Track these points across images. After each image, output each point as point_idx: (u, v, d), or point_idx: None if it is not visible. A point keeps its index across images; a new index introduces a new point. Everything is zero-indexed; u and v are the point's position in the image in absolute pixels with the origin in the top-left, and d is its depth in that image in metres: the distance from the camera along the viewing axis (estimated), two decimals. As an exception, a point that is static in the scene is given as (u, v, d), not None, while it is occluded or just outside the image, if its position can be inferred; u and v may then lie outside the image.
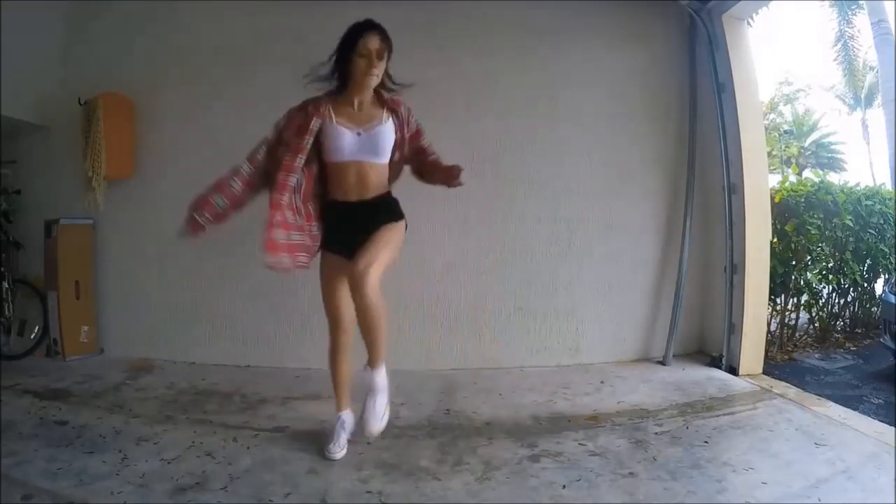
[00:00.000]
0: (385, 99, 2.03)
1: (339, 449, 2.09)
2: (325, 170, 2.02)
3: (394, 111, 2.03)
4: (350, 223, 1.99)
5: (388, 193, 2.09)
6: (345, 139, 1.94)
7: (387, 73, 2.02)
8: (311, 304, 3.32)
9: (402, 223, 2.07)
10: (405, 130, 2.05)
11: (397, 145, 2.04)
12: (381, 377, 2.04)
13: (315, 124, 1.94)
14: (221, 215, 2.04)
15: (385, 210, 2.04)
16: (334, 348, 2.17)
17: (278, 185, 1.94)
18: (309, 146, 1.94)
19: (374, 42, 1.91)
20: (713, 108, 3.34)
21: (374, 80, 1.95)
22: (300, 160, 1.93)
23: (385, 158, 2.02)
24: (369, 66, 1.91)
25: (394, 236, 2.00)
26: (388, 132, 1.99)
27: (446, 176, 2.02)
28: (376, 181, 2.01)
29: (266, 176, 2.01)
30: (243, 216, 3.42)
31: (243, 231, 3.40)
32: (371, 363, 2.04)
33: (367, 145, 1.96)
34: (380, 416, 2.00)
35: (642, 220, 3.52)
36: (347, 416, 2.21)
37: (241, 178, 2.03)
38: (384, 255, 1.91)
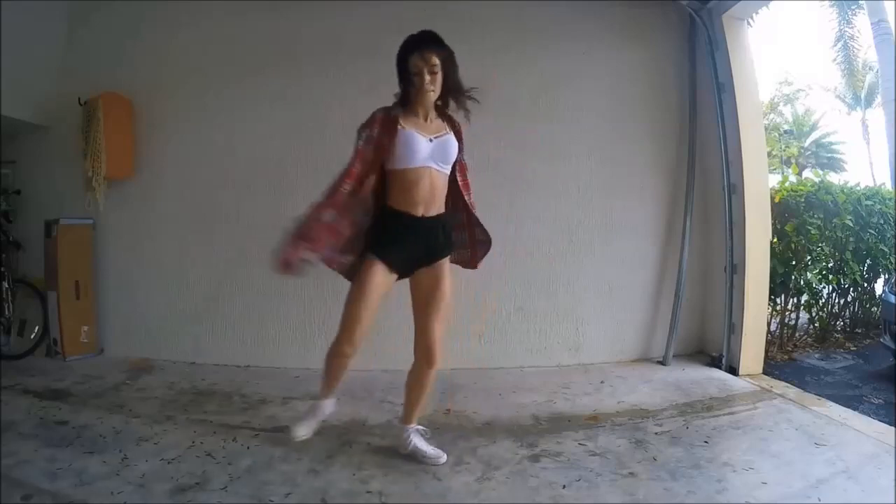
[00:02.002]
0: (447, 115, 2.06)
1: (307, 432, 2.09)
2: (390, 178, 1.97)
3: (453, 127, 2.05)
4: (414, 241, 1.96)
5: (449, 210, 2.06)
6: (419, 144, 1.92)
7: (454, 84, 2.00)
8: (312, 305, 3.34)
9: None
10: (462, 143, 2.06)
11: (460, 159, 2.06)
12: (414, 430, 2.12)
13: (385, 132, 1.92)
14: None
15: (447, 232, 2.05)
16: (347, 347, 2.07)
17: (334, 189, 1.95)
18: (371, 153, 1.92)
19: (423, 59, 1.91)
20: (713, 108, 3.34)
21: (433, 95, 1.95)
22: (362, 167, 1.92)
23: (449, 169, 2.01)
24: (422, 83, 1.92)
25: (450, 282, 2.05)
26: (453, 141, 2.00)
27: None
28: (443, 192, 2.00)
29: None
30: (243, 217, 3.44)
31: (244, 231, 3.42)
32: (407, 418, 2.13)
33: (438, 151, 1.95)
34: (432, 449, 2.09)
35: (642, 220, 3.52)
36: (329, 405, 2.17)
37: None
38: (446, 314, 2.05)
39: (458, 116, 2.08)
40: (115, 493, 1.78)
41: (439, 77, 1.94)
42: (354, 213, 1.94)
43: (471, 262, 2.20)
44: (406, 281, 2.06)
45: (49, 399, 2.66)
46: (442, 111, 2.05)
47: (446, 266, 2.05)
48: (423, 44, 1.93)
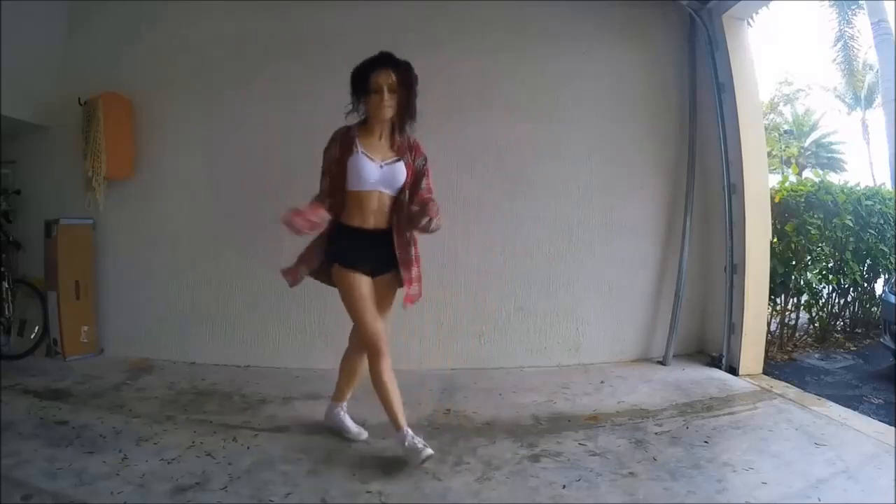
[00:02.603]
0: (400, 137, 2.12)
1: (361, 432, 2.25)
2: (345, 196, 2.09)
3: (405, 152, 2.12)
4: (370, 251, 2.09)
5: (390, 227, 2.13)
6: (370, 170, 2.05)
7: (406, 109, 2.07)
8: (312, 305, 3.34)
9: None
10: (412, 167, 2.12)
11: (414, 180, 2.13)
12: (408, 433, 2.06)
13: (343, 153, 2.07)
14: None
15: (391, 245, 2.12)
16: (380, 363, 2.06)
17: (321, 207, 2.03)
18: (336, 171, 2.09)
19: (383, 78, 2.01)
20: (713, 108, 3.34)
21: (389, 112, 2.05)
22: (331, 187, 2.10)
23: (397, 192, 2.11)
24: (381, 101, 2.02)
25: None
26: (402, 168, 2.09)
27: (419, 221, 2.01)
28: (388, 212, 2.11)
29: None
30: (243, 217, 3.44)
31: (244, 231, 3.42)
32: (398, 424, 2.06)
33: (387, 177, 2.07)
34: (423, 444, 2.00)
35: (642, 220, 3.52)
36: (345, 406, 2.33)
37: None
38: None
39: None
40: (115, 493, 1.78)
41: (396, 97, 2.04)
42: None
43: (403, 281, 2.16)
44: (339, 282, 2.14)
45: (49, 399, 2.66)
46: (398, 130, 2.12)
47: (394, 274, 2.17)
48: (384, 64, 2.03)
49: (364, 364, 2.17)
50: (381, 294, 2.15)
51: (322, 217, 1.96)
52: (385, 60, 2.04)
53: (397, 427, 2.03)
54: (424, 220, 1.95)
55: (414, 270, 2.15)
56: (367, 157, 2.06)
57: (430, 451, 1.95)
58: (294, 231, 1.92)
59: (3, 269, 3.46)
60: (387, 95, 2.02)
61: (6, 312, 3.46)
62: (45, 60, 3.50)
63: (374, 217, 2.08)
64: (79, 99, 3.40)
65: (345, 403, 2.34)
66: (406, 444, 1.98)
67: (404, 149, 2.13)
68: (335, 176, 2.09)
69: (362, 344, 2.13)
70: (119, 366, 3.24)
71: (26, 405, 2.57)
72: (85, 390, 2.82)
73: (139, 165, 3.49)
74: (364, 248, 2.09)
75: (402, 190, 2.11)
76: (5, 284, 3.45)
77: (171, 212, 3.48)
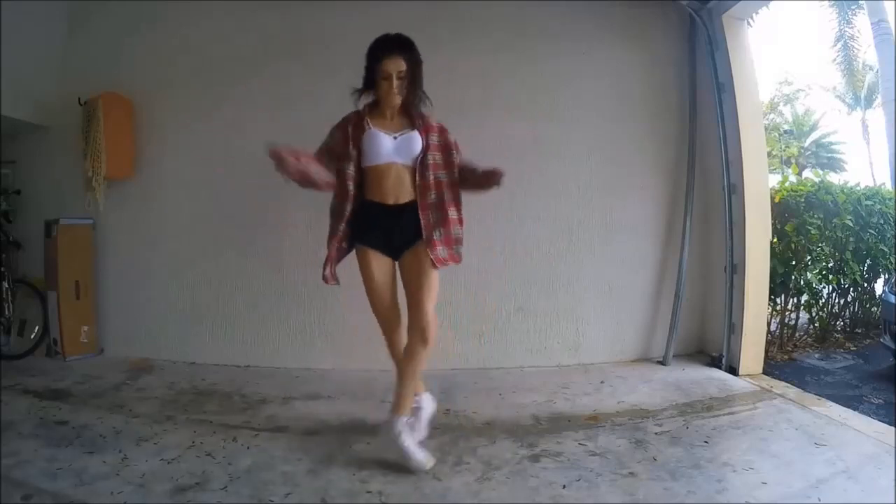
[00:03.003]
0: (412, 113, 2.16)
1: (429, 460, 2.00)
2: (364, 174, 2.12)
3: (420, 123, 2.15)
4: (392, 227, 2.11)
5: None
6: (383, 142, 2.08)
7: (417, 88, 2.12)
8: (312, 305, 3.34)
9: None
10: (428, 139, 2.14)
11: (440, 151, 2.16)
12: (403, 421, 2.05)
13: (356, 133, 2.10)
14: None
15: (418, 219, 2.12)
16: (393, 339, 2.20)
17: (338, 214, 2.14)
18: (354, 155, 2.10)
19: (392, 65, 2.04)
20: (713, 108, 3.33)
21: (398, 99, 2.09)
22: (351, 173, 2.10)
23: (415, 163, 2.11)
24: (390, 87, 2.06)
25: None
26: (417, 137, 2.12)
27: (485, 180, 2.11)
28: (408, 184, 2.11)
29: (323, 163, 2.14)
30: (243, 217, 3.44)
31: (244, 231, 3.42)
32: (396, 406, 2.05)
33: (401, 148, 2.10)
34: (419, 451, 1.99)
35: (642, 220, 3.52)
36: (427, 401, 2.27)
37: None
38: (434, 293, 2.10)
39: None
40: (115, 493, 1.78)
41: (405, 83, 2.07)
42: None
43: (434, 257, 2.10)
44: (397, 287, 2.19)
45: (49, 399, 2.66)
46: (410, 110, 2.15)
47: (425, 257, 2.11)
48: (394, 48, 2.05)
49: (423, 358, 2.11)
50: (412, 271, 2.11)
51: (310, 165, 2.00)
52: (393, 46, 2.05)
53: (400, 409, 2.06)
54: (497, 177, 2.05)
55: (439, 233, 2.10)
56: (381, 130, 2.09)
57: (427, 463, 1.95)
58: (280, 167, 1.91)
59: (3, 269, 3.46)
60: (396, 83, 2.05)
61: (6, 312, 3.47)
62: (45, 60, 3.50)
63: (393, 191, 2.09)
64: (79, 99, 3.40)
65: (405, 416, 2.05)
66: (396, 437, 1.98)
67: (417, 122, 2.14)
68: (331, 149, 2.12)
69: (387, 336, 2.20)
70: (119, 366, 3.24)
71: (26, 405, 2.57)
72: (85, 390, 2.82)
73: (139, 165, 3.49)
74: (385, 224, 2.10)
75: (421, 162, 2.11)
76: (5, 284, 3.46)
77: (171, 212, 3.48)
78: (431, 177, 2.13)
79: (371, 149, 2.08)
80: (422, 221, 2.10)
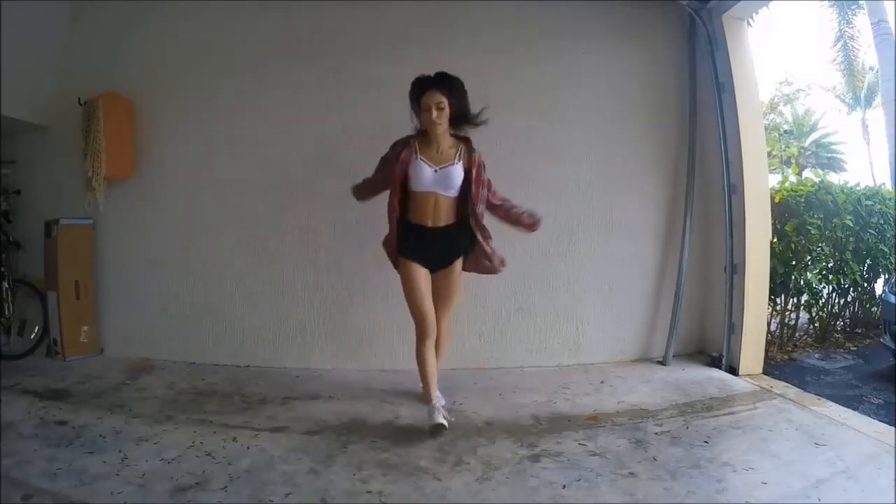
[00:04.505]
0: (460, 145, 2.43)
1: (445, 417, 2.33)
2: (409, 196, 2.42)
3: (465, 156, 2.42)
4: (429, 245, 2.41)
5: (459, 221, 2.44)
6: (425, 173, 2.36)
7: (462, 115, 2.41)
8: (312, 305, 3.34)
9: (460, 259, 2.51)
10: (471, 172, 2.41)
11: (471, 182, 2.41)
12: (439, 399, 2.45)
13: (404, 157, 2.38)
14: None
15: (457, 240, 2.46)
16: (424, 337, 2.40)
17: (393, 206, 2.42)
18: (401, 174, 2.38)
19: (432, 98, 2.31)
20: (713, 108, 3.33)
21: (440, 129, 2.36)
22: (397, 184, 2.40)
23: (454, 193, 2.40)
24: (430, 119, 2.32)
25: (460, 277, 2.53)
26: (457, 171, 2.38)
27: (519, 224, 2.56)
28: (447, 211, 2.41)
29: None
30: (243, 217, 3.45)
31: (244, 231, 3.42)
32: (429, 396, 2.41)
33: (441, 180, 2.37)
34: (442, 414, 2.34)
35: (642, 220, 3.52)
36: (439, 401, 2.43)
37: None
38: (454, 307, 2.60)
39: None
40: (115, 493, 1.78)
41: (446, 112, 2.33)
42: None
43: (478, 268, 2.58)
44: (396, 284, 2.46)
45: (49, 399, 2.66)
46: (458, 138, 2.44)
47: (457, 269, 2.50)
48: (431, 84, 2.32)
49: (433, 355, 2.45)
50: (442, 286, 2.47)
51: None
52: (434, 82, 2.32)
53: (427, 399, 2.39)
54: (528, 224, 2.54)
55: (483, 248, 2.48)
56: (425, 162, 2.36)
57: (442, 420, 2.24)
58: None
59: (3, 269, 3.46)
60: (435, 114, 2.31)
61: (6, 312, 3.46)
62: (45, 60, 3.49)
63: (431, 215, 2.38)
64: (79, 99, 3.40)
65: (435, 401, 2.39)
66: (428, 411, 2.33)
67: (461, 155, 2.41)
68: (394, 177, 2.38)
69: (421, 337, 2.40)
70: (119, 366, 3.24)
71: (26, 405, 2.57)
72: (85, 390, 2.82)
73: (139, 165, 3.49)
74: (423, 243, 2.39)
75: (465, 189, 2.40)
76: (5, 284, 3.45)
77: (171, 212, 3.48)
78: (480, 207, 2.44)
79: (415, 177, 2.36)
80: (478, 236, 2.45)
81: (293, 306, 3.34)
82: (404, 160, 2.36)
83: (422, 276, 2.40)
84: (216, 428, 2.34)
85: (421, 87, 2.34)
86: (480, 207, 2.43)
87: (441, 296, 2.47)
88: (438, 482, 1.91)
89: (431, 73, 2.39)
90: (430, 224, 2.38)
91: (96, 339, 3.49)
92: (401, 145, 2.40)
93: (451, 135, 2.43)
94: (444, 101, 2.31)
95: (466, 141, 2.45)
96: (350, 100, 3.30)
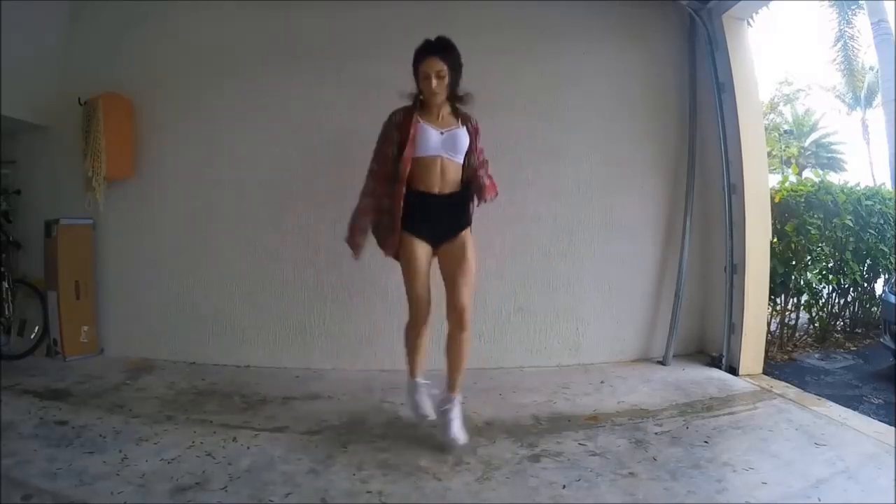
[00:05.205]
0: (459, 112, 2.34)
1: (430, 411, 2.29)
2: (412, 164, 2.25)
3: (466, 122, 2.34)
4: (435, 215, 2.26)
5: (465, 188, 2.32)
6: (431, 136, 2.23)
7: (453, 89, 2.28)
8: (312, 305, 3.34)
9: (469, 230, 2.35)
10: (474, 139, 2.35)
11: (473, 150, 2.34)
12: (458, 400, 2.27)
13: (405, 123, 2.24)
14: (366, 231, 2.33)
15: (463, 209, 2.32)
16: (417, 323, 2.31)
17: (402, 173, 2.23)
18: (395, 142, 2.25)
19: (431, 66, 2.20)
20: (713, 108, 3.34)
21: (440, 97, 2.25)
22: (380, 166, 2.28)
23: (461, 157, 2.29)
24: (429, 87, 2.21)
25: (473, 253, 2.30)
26: (463, 135, 2.29)
27: (477, 192, 2.31)
28: (454, 177, 2.28)
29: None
30: (243, 217, 3.45)
31: (243, 231, 3.42)
32: (451, 387, 2.27)
33: (448, 143, 2.25)
34: (460, 429, 2.20)
35: (642, 220, 3.52)
36: (423, 381, 2.37)
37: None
38: (472, 282, 2.28)
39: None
40: (115, 493, 1.78)
41: (445, 81, 2.22)
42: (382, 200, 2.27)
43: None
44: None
45: (49, 399, 2.66)
46: (455, 109, 2.33)
47: (468, 237, 2.31)
48: (432, 51, 2.22)
49: (424, 343, 2.36)
50: (453, 260, 2.27)
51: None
52: (435, 49, 2.21)
53: (410, 374, 2.37)
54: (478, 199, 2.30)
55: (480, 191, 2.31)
56: (431, 126, 2.25)
57: (430, 413, 2.27)
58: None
59: (3, 269, 3.46)
60: (435, 82, 2.20)
61: (6, 312, 3.46)
62: (45, 60, 3.50)
63: (438, 182, 2.24)
64: (79, 99, 3.40)
65: (419, 379, 2.38)
66: (408, 389, 2.37)
67: (464, 121, 2.32)
68: (389, 156, 2.25)
69: (412, 318, 2.30)
70: (119, 366, 3.24)
71: (26, 405, 2.56)
72: (85, 390, 2.82)
73: (139, 165, 3.49)
74: (429, 213, 2.24)
75: (467, 155, 2.30)
76: (5, 284, 3.45)
77: (171, 212, 3.48)
78: (480, 172, 2.33)
79: (421, 141, 2.21)
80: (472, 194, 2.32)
81: (293, 306, 3.34)
82: (406, 126, 2.22)
83: (424, 255, 2.25)
84: (216, 428, 2.34)
85: (424, 53, 2.22)
86: (480, 172, 2.32)
87: (455, 268, 2.25)
88: (438, 482, 1.91)
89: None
90: (436, 191, 2.23)
91: (96, 339, 3.49)
92: (399, 114, 2.27)
93: (451, 105, 2.32)
94: (445, 70, 2.20)
95: (466, 114, 2.36)
96: (350, 100, 3.30)
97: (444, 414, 2.22)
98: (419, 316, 2.28)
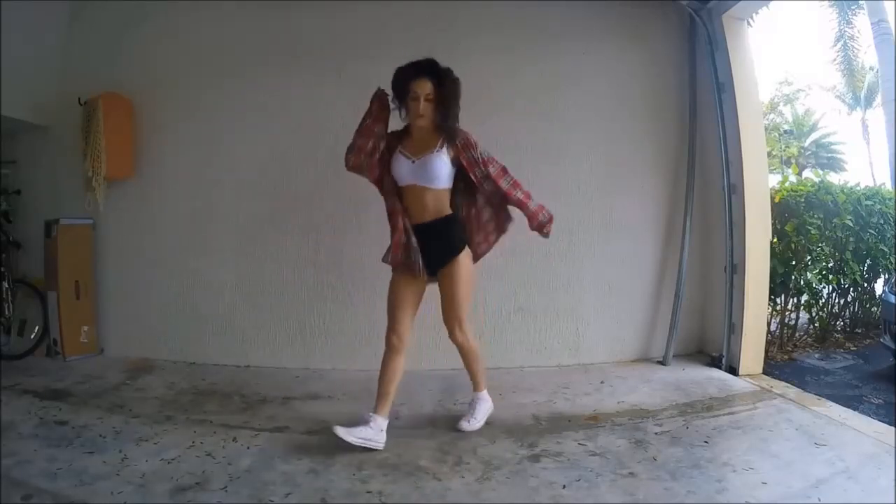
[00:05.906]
0: (444, 129, 2.20)
1: (354, 438, 2.09)
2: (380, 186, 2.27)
3: (450, 142, 2.21)
4: (423, 244, 2.19)
5: (448, 216, 2.25)
6: (402, 166, 2.20)
7: (445, 114, 2.17)
8: (311, 305, 3.34)
9: (465, 253, 2.27)
10: (462, 159, 2.22)
11: (467, 170, 2.23)
12: (484, 395, 2.46)
13: (383, 143, 2.21)
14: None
15: (447, 237, 2.24)
16: (388, 356, 2.25)
17: (393, 207, 2.26)
18: (379, 134, 2.19)
19: (420, 87, 2.14)
20: (713, 108, 3.33)
21: (424, 120, 2.17)
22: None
23: (438, 184, 2.20)
24: (416, 108, 2.15)
25: (464, 276, 2.25)
26: (437, 160, 2.18)
27: (531, 222, 2.37)
28: (433, 204, 2.21)
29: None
30: (243, 217, 3.45)
31: (243, 231, 3.42)
32: (476, 387, 2.45)
33: (418, 171, 2.18)
34: (477, 419, 2.37)
35: (642, 220, 3.52)
36: (374, 422, 2.16)
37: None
38: (464, 304, 2.27)
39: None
40: (115, 493, 1.78)
41: (432, 105, 2.15)
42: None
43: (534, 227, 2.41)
44: (389, 282, 2.31)
45: (49, 399, 2.66)
46: (439, 127, 2.21)
47: (456, 268, 2.23)
48: (423, 73, 2.14)
49: (395, 369, 2.24)
50: (448, 281, 2.25)
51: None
52: (424, 69, 2.15)
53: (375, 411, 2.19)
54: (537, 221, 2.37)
55: (481, 236, 2.34)
56: (403, 153, 2.20)
57: (349, 438, 2.06)
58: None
59: (3, 269, 3.46)
60: (422, 104, 2.14)
61: (6, 312, 3.47)
62: (45, 60, 3.50)
63: (416, 211, 2.21)
64: (79, 99, 3.40)
65: (374, 414, 2.19)
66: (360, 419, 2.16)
67: (444, 143, 2.20)
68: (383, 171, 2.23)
69: (388, 340, 2.25)
70: (119, 366, 3.24)
71: (26, 405, 2.57)
72: (85, 390, 2.82)
73: (139, 165, 3.49)
74: (419, 242, 2.18)
75: (463, 178, 2.24)
76: (5, 284, 3.46)
77: (171, 212, 3.48)
78: (488, 185, 2.26)
79: (395, 171, 2.21)
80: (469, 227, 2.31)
81: (293, 306, 3.34)
82: (391, 148, 2.21)
83: (410, 288, 2.24)
84: (216, 428, 2.34)
85: (411, 73, 2.16)
86: (490, 185, 2.24)
87: (446, 290, 2.25)
88: (438, 482, 1.91)
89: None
90: (416, 221, 2.20)
91: (96, 339, 3.49)
92: (392, 137, 2.25)
93: (437, 127, 2.21)
94: (432, 92, 2.14)
95: (451, 132, 2.21)
96: (350, 100, 3.28)
97: (468, 407, 2.42)
98: (390, 338, 2.24)
